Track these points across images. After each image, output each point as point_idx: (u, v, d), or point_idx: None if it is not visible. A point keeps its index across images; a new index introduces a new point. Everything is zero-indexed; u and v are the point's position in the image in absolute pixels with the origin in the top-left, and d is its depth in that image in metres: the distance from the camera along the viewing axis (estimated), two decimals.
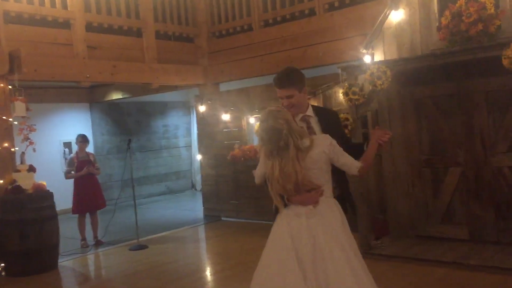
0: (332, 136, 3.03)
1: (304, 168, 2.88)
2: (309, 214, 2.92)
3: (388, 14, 5.87)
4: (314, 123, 3.27)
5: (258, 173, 3.14)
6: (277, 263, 2.91)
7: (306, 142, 2.89)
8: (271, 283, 2.88)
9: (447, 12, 5.27)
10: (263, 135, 2.93)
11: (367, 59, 5.81)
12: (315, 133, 3.22)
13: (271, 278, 2.90)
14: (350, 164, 2.96)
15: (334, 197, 3.08)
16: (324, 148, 2.91)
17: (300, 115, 3.26)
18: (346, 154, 2.98)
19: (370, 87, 5.57)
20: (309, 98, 7.01)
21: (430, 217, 6.03)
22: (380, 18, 5.91)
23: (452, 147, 5.87)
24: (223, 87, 8.78)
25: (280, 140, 2.86)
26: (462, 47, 5.12)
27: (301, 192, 2.92)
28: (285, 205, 3.00)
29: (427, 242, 5.89)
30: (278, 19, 7.68)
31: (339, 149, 2.96)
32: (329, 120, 3.32)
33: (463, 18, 5.10)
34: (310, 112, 3.30)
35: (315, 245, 2.88)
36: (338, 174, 3.15)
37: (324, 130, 3.22)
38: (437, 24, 5.52)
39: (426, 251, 5.56)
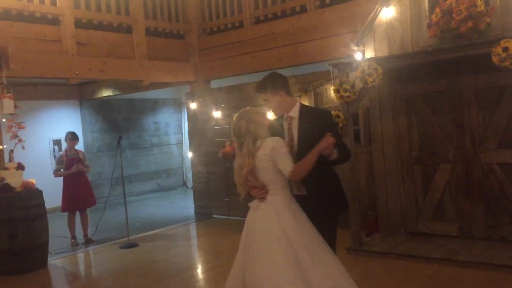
0: (315, 135, 3.15)
1: (255, 167, 3.16)
2: (255, 207, 3.25)
3: (379, 11, 5.88)
4: (295, 123, 3.40)
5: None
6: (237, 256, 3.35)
7: (258, 143, 3.18)
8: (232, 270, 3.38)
9: (437, 9, 5.28)
10: (232, 131, 3.31)
11: (358, 56, 5.80)
12: (292, 134, 3.40)
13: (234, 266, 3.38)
14: (283, 167, 3.14)
15: (299, 194, 3.31)
16: (266, 151, 3.15)
17: (285, 115, 3.45)
18: (286, 157, 3.13)
19: (361, 84, 5.58)
20: (299, 97, 7.03)
21: (421, 213, 6.06)
22: (371, 15, 5.92)
23: (442, 144, 5.89)
24: (214, 84, 8.75)
25: (240, 137, 3.23)
26: (452, 44, 5.13)
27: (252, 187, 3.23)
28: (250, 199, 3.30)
29: (417, 238, 5.92)
30: (269, 16, 7.67)
31: (281, 153, 3.14)
32: (313, 120, 3.39)
33: (454, 15, 5.11)
34: (294, 112, 3.44)
35: (248, 238, 3.24)
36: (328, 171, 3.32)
37: (305, 130, 3.35)
38: (427, 21, 5.53)
39: (416, 247, 5.59)
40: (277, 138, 3.22)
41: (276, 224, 3.14)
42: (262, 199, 3.20)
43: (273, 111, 3.51)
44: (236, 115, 3.33)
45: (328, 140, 3.06)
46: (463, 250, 5.36)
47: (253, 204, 3.27)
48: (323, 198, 3.36)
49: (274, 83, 3.43)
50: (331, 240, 3.33)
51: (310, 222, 3.21)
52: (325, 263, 3.12)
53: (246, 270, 3.20)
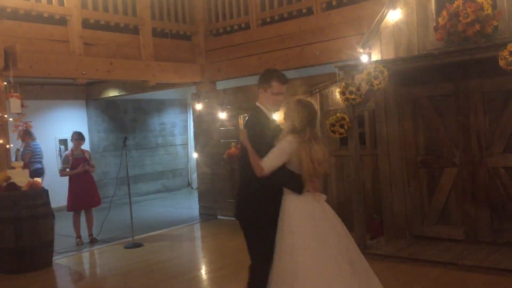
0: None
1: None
2: (320, 200, 3.35)
3: (386, 14, 5.87)
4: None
5: (274, 162, 3.26)
6: (319, 250, 3.19)
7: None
8: (322, 269, 3.16)
9: (444, 12, 5.27)
10: (309, 117, 3.29)
11: (364, 58, 5.80)
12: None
13: (320, 264, 3.16)
14: None
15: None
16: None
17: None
18: None
19: (367, 87, 5.57)
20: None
21: (426, 217, 6.04)
22: (378, 17, 5.91)
23: (448, 147, 5.87)
24: (220, 85, 8.77)
25: (315, 126, 3.34)
26: (459, 48, 5.12)
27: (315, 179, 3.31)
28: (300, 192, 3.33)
29: (422, 242, 5.89)
30: (276, 17, 7.67)
31: None
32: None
33: (460, 18, 5.10)
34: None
35: (332, 226, 3.31)
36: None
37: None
38: (434, 24, 5.52)
39: (421, 251, 5.57)
40: None
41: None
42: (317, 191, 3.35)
43: (279, 104, 3.60)
44: (302, 102, 3.38)
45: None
46: (468, 254, 5.33)
47: (315, 196, 3.33)
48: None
49: None
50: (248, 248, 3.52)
51: None
52: None
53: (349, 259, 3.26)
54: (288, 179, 3.31)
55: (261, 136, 3.36)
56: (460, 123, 5.76)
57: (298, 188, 3.30)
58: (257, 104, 3.57)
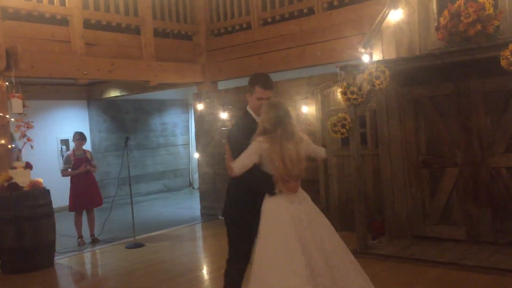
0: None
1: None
2: (298, 200, 3.31)
3: (387, 14, 5.87)
4: None
5: (245, 162, 3.30)
6: (282, 252, 3.16)
7: (302, 135, 3.36)
8: (277, 270, 3.13)
9: (446, 12, 5.26)
10: (278, 118, 3.26)
11: (365, 58, 5.80)
12: None
13: (277, 266, 3.14)
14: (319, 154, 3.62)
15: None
16: (308, 142, 3.41)
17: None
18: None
19: (369, 87, 5.57)
20: (306, 98, 7.03)
21: (427, 217, 6.03)
22: (379, 17, 5.91)
23: (450, 147, 5.87)
24: (221, 85, 8.77)
25: (290, 126, 3.26)
26: (460, 48, 5.11)
27: (290, 180, 3.26)
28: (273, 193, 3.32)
29: (424, 242, 5.89)
30: (277, 17, 7.68)
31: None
32: None
33: (462, 18, 5.09)
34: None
35: (313, 228, 3.25)
36: None
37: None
38: (435, 24, 5.51)
39: (422, 251, 5.57)
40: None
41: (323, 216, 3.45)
42: (297, 191, 3.33)
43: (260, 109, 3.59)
44: (273, 104, 3.36)
45: None
46: (470, 254, 5.33)
47: (292, 197, 3.30)
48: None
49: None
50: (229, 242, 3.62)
51: None
52: None
53: (325, 265, 3.21)
54: (258, 180, 3.35)
55: (238, 139, 3.42)
56: (461, 123, 5.76)
57: (269, 189, 3.31)
58: (247, 108, 3.62)
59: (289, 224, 3.22)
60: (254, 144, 3.29)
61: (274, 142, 3.24)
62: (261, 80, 3.53)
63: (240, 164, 3.28)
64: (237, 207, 3.54)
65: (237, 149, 3.35)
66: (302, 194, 3.40)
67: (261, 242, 3.27)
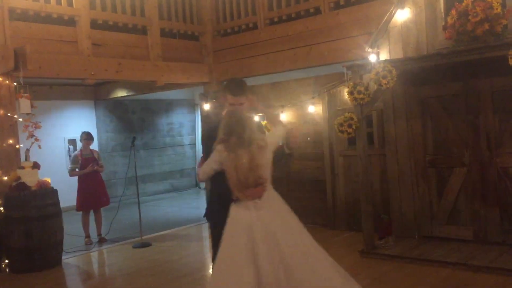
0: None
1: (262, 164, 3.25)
2: (257, 206, 3.27)
3: (394, 13, 5.85)
4: None
5: (206, 169, 3.40)
6: (230, 259, 3.21)
7: (262, 142, 3.27)
8: (226, 277, 3.18)
9: (453, 11, 5.24)
10: (229, 127, 3.25)
11: (372, 58, 5.78)
12: None
13: (226, 272, 3.20)
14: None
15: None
16: (272, 146, 3.34)
17: None
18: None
19: (375, 86, 5.55)
20: (313, 98, 7.02)
21: (435, 217, 6.01)
22: (386, 17, 5.89)
23: (458, 147, 5.84)
24: None
25: (244, 134, 3.21)
26: (468, 47, 5.08)
27: (248, 187, 3.25)
28: (232, 200, 3.34)
29: (431, 242, 5.86)
30: (283, 17, 7.66)
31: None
32: None
33: (470, 17, 5.06)
34: None
35: (268, 234, 3.20)
36: None
37: None
38: (443, 23, 5.49)
39: (430, 251, 5.54)
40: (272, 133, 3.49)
41: (294, 218, 3.38)
42: (261, 196, 3.28)
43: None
44: (228, 112, 3.38)
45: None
46: (477, 254, 5.30)
47: (249, 203, 3.28)
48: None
49: (247, 88, 3.64)
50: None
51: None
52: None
53: (278, 271, 3.17)
54: (222, 186, 3.38)
55: (208, 144, 3.52)
56: (469, 123, 5.73)
57: (230, 195, 3.36)
58: (223, 113, 3.69)
59: (243, 232, 3.23)
60: (215, 152, 3.35)
61: (229, 150, 3.27)
62: (231, 87, 3.59)
63: (202, 171, 3.41)
64: (217, 212, 3.57)
65: (206, 154, 3.45)
66: (267, 200, 3.34)
67: (220, 249, 3.32)
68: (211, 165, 3.38)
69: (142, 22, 7.73)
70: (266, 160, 3.33)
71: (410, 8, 5.77)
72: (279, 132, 3.53)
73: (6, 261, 5.96)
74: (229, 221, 3.31)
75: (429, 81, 5.94)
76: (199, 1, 8.51)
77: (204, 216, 3.80)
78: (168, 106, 12.53)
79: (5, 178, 6.06)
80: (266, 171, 3.35)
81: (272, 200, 3.38)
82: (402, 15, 5.80)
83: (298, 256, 3.22)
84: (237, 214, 3.31)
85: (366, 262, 5.51)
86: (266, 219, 3.26)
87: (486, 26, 4.99)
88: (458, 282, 4.76)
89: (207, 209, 3.86)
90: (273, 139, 3.42)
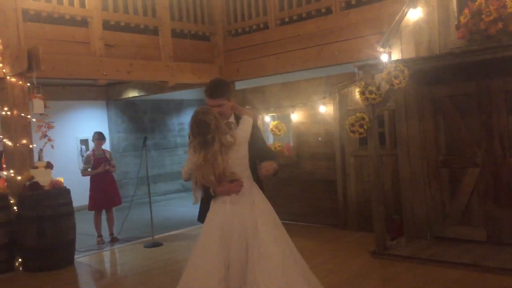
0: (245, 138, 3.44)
1: (228, 161, 3.25)
2: (233, 201, 3.32)
3: (406, 13, 5.82)
4: (234, 128, 3.60)
5: (185, 169, 3.50)
6: (203, 253, 3.33)
7: (230, 138, 3.27)
8: (194, 271, 3.35)
9: (466, 11, 5.20)
10: (194, 127, 3.28)
11: (384, 58, 5.76)
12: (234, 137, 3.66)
13: (195, 267, 3.34)
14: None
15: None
16: (243, 139, 3.36)
17: (225, 121, 3.55)
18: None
19: (387, 86, 5.52)
20: (323, 98, 7.00)
21: (447, 218, 5.96)
22: (398, 16, 5.86)
23: (470, 147, 5.79)
24: (239, 85, 8.78)
25: (208, 134, 3.22)
26: (481, 46, 5.04)
27: (223, 183, 3.30)
28: (213, 196, 3.40)
29: (443, 243, 5.82)
30: (294, 17, 7.65)
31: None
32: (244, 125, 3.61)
33: (483, 16, 5.02)
34: (232, 119, 3.65)
35: (242, 229, 3.26)
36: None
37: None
38: (456, 22, 5.45)
39: (442, 252, 5.50)
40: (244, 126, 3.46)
41: (272, 213, 3.40)
42: (238, 191, 3.33)
43: (221, 115, 3.51)
44: (194, 112, 3.35)
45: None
46: (490, 255, 5.25)
47: (225, 198, 3.34)
48: None
49: (229, 89, 3.62)
50: None
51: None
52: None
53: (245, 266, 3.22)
54: (206, 188, 3.43)
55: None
56: (482, 123, 5.68)
57: (207, 192, 3.43)
58: None
59: (217, 226, 3.32)
60: (190, 152, 3.42)
61: (195, 150, 3.33)
62: (207, 89, 3.59)
63: (183, 170, 3.52)
64: (206, 212, 3.59)
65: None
66: (245, 194, 3.36)
67: (196, 243, 3.43)
68: (187, 164, 3.48)
69: (153, 22, 7.78)
70: (239, 155, 3.34)
71: (422, 7, 5.74)
72: (246, 123, 3.49)
73: (20, 260, 6.03)
74: (207, 215, 3.43)
75: (442, 80, 5.90)
76: (210, 1, 8.54)
77: (198, 220, 3.77)
78: (179, 106, 12.58)
79: (19, 177, 6.14)
80: (241, 166, 3.36)
81: (250, 195, 3.38)
82: (414, 15, 5.77)
83: (259, 257, 3.22)
84: (213, 209, 3.41)
85: (378, 263, 5.49)
86: (242, 213, 3.31)
87: (500, 25, 4.95)
88: (470, 283, 4.72)
89: (199, 212, 3.80)
90: (243, 132, 3.42)
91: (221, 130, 3.26)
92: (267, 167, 3.46)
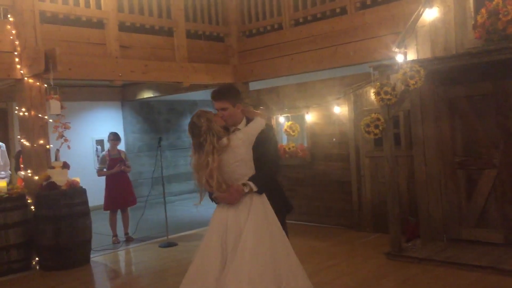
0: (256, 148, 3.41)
1: (219, 162, 3.22)
2: (232, 207, 3.34)
3: (422, 13, 5.77)
4: None
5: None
6: (202, 256, 3.34)
7: (224, 141, 3.26)
8: (197, 272, 3.33)
9: (483, 10, 5.13)
10: (188, 130, 3.36)
11: (399, 58, 5.71)
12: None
13: (197, 268, 3.33)
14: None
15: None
16: (241, 142, 3.32)
17: (233, 128, 3.54)
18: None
19: (403, 87, 5.48)
20: (338, 99, 6.97)
21: (464, 220, 5.89)
22: (414, 16, 5.81)
23: (487, 148, 5.72)
24: (253, 86, 8.79)
25: (200, 136, 3.26)
26: (498, 46, 4.98)
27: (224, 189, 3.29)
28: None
29: (460, 245, 5.76)
30: (309, 18, 7.63)
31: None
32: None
33: (500, 16, 4.96)
34: (242, 124, 3.58)
35: (238, 233, 3.26)
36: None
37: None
38: (472, 22, 5.38)
39: (458, 254, 5.44)
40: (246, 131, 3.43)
41: (265, 220, 3.33)
42: (234, 203, 3.32)
43: (229, 120, 3.52)
44: (193, 115, 3.42)
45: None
46: (508, 258, 5.18)
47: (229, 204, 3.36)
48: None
49: (235, 94, 3.59)
50: None
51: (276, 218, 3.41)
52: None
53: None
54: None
55: None
56: (499, 124, 5.60)
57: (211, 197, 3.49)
58: None
59: (216, 229, 3.35)
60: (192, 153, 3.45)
61: (193, 153, 3.36)
62: (213, 91, 3.61)
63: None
64: None
65: None
66: (244, 200, 3.33)
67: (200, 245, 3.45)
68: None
69: (168, 24, 7.82)
70: (238, 158, 3.31)
71: (438, 7, 5.68)
72: (254, 125, 3.45)
73: (36, 259, 6.11)
74: (211, 217, 3.48)
75: (458, 81, 5.84)
76: (224, 2, 8.56)
77: None
78: (193, 107, 12.62)
79: (36, 177, 6.21)
80: (241, 169, 3.33)
81: (250, 199, 3.34)
82: (430, 15, 5.72)
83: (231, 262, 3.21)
84: (216, 211, 3.46)
85: (393, 265, 5.45)
86: (241, 218, 3.31)
87: None
88: (487, 286, 4.67)
89: None
90: (243, 135, 3.37)
91: (213, 132, 3.26)
92: (234, 193, 3.33)
